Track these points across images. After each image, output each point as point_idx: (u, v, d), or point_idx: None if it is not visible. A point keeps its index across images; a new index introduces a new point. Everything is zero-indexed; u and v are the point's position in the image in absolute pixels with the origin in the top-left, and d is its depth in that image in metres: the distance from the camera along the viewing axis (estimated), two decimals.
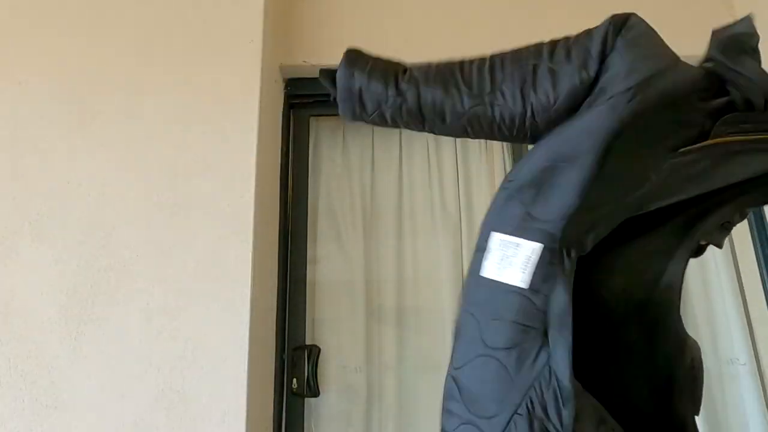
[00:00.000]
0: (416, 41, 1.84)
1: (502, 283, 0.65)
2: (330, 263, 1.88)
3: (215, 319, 1.37)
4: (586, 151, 0.63)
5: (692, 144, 0.63)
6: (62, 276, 1.39)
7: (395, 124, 0.79)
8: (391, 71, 0.79)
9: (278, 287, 1.73)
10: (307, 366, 1.70)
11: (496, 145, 2.00)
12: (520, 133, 0.72)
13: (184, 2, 1.65)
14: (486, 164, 1.99)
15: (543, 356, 0.61)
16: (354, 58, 0.79)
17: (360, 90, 0.77)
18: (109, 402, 1.31)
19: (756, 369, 1.75)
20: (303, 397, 1.69)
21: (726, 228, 0.79)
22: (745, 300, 1.81)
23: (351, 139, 2.03)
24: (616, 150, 0.62)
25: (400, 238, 1.92)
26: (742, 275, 1.83)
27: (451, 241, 1.91)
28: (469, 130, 0.75)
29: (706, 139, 0.63)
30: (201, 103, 1.54)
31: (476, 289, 0.70)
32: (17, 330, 1.36)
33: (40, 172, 1.48)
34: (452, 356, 0.70)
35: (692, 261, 1.90)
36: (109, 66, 1.58)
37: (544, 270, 0.62)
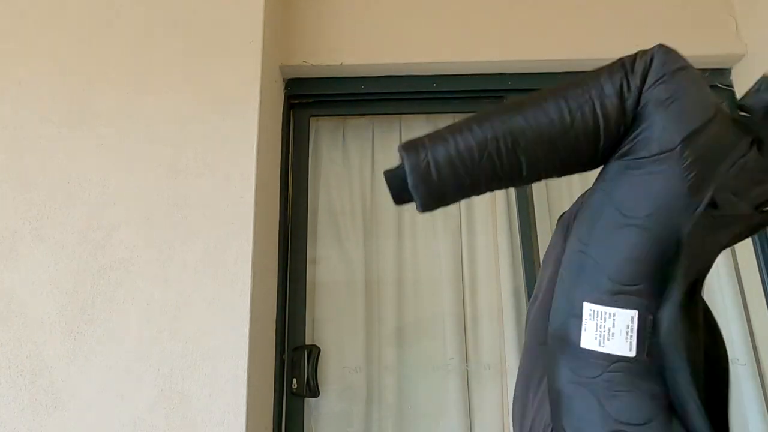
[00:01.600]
0: (416, 41, 1.84)
1: (608, 354, 0.64)
2: (330, 263, 1.88)
3: (215, 319, 1.37)
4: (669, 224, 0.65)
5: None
6: (62, 276, 1.40)
7: (475, 181, 0.76)
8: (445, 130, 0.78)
9: (278, 287, 1.73)
10: (307, 366, 1.70)
11: None
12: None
13: (184, 2, 1.65)
14: None
15: (676, 425, 0.60)
16: (407, 145, 0.78)
17: (427, 161, 0.74)
18: (109, 402, 1.31)
19: (756, 369, 1.75)
20: (303, 397, 1.69)
21: None
22: (745, 300, 1.81)
23: (351, 139, 2.03)
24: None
25: (400, 238, 1.92)
26: (742, 275, 1.83)
27: (451, 241, 1.91)
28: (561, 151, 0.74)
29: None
30: (201, 103, 1.54)
31: (583, 362, 0.67)
32: (17, 330, 1.36)
33: (40, 172, 1.48)
34: None
35: None
36: (109, 66, 1.58)
37: (644, 335, 0.63)
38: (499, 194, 1.95)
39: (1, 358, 1.34)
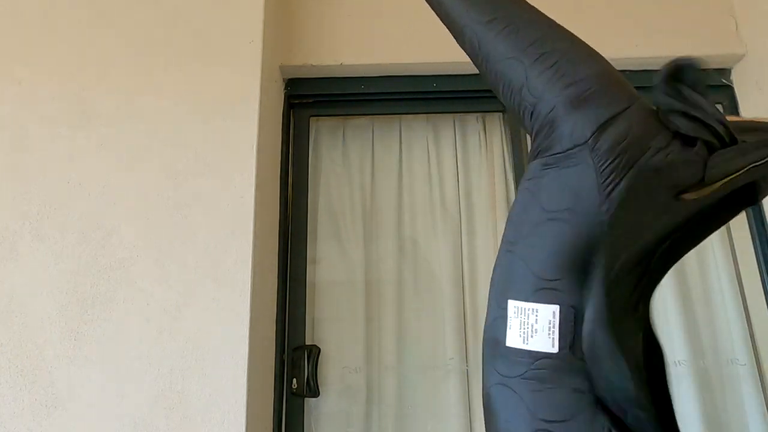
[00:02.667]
0: (416, 42, 1.84)
1: (532, 351, 0.64)
2: (330, 263, 1.88)
3: (215, 319, 1.37)
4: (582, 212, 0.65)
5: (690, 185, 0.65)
6: (62, 276, 1.40)
7: None
8: None
9: (278, 287, 1.73)
10: (307, 366, 1.70)
11: (497, 146, 2.00)
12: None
13: (184, 3, 1.65)
14: (486, 163, 1.99)
15: (600, 419, 0.60)
16: None
17: None
18: (109, 402, 1.31)
19: (756, 369, 1.75)
20: (303, 397, 1.69)
21: None
22: (745, 300, 1.81)
23: (351, 139, 2.03)
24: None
25: (400, 238, 1.92)
26: (742, 275, 1.83)
27: (451, 241, 1.91)
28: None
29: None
30: (201, 103, 1.54)
31: (508, 360, 0.67)
32: (17, 330, 1.36)
33: (40, 172, 1.48)
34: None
35: (692, 261, 1.90)
36: (109, 66, 1.58)
37: (566, 330, 0.62)
38: (499, 194, 1.95)
39: (1, 358, 1.34)
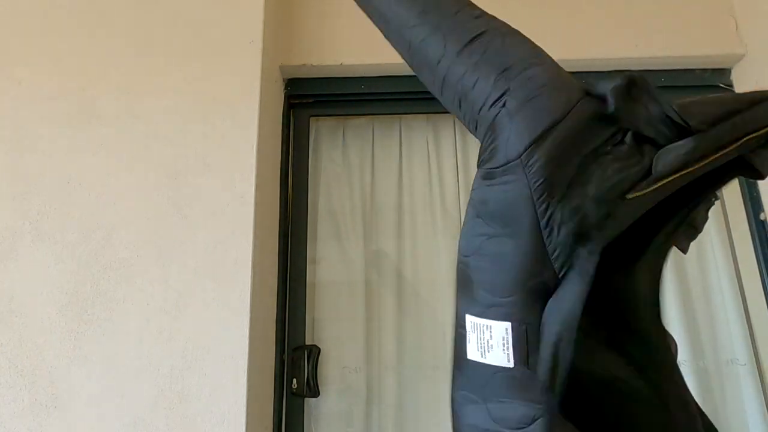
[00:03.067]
0: None
1: (489, 365, 0.64)
2: (330, 263, 1.88)
3: (215, 319, 1.37)
4: (519, 228, 0.64)
5: (636, 181, 0.62)
6: (62, 276, 1.40)
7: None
8: None
9: (278, 287, 1.73)
10: (307, 366, 1.70)
11: None
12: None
13: (184, 2, 1.65)
14: None
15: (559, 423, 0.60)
16: None
17: None
18: (109, 402, 1.31)
19: (756, 369, 1.75)
20: (303, 397, 1.69)
21: (691, 235, 0.79)
22: (745, 300, 1.81)
23: (351, 139, 2.03)
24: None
25: (400, 238, 1.92)
26: (742, 275, 1.83)
27: (451, 241, 1.91)
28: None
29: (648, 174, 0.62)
30: (201, 103, 1.54)
31: (471, 372, 0.68)
32: (17, 330, 1.36)
33: (40, 172, 1.48)
34: None
35: (692, 261, 1.90)
36: (109, 66, 1.58)
37: (521, 345, 0.62)
38: None
39: (1, 358, 1.34)
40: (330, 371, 1.76)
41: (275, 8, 1.79)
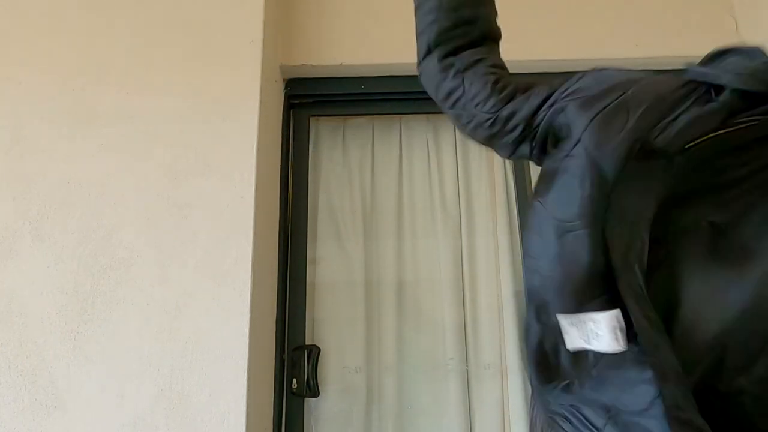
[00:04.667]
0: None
1: (597, 351, 0.63)
2: (330, 263, 1.88)
3: (215, 319, 1.37)
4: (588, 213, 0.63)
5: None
6: (62, 276, 1.39)
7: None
8: None
9: (278, 287, 1.73)
10: (307, 366, 1.70)
11: None
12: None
13: (184, 2, 1.65)
14: (486, 164, 1.99)
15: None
16: None
17: None
18: (109, 402, 1.31)
19: None
20: (303, 397, 1.69)
21: None
22: None
23: (351, 139, 2.03)
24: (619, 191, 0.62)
25: (400, 238, 1.92)
26: None
27: (451, 241, 1.91)
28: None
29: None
30: (201, 103, 1.54)
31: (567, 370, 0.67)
32: (17, 330, 1.36)
33: (40, 172, 1.48)
34: None
35: None
36: (109, 66, 1.58)
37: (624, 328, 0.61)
38: (500, 194, 1.95)
39: (1, 358, 1.34)
40: (330, 371, 1.76)
41: (275, 8, 1.79)
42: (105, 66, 1.58)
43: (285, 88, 1.92)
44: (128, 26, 1.62)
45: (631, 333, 0.60)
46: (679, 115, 0.63)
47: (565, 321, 0.65)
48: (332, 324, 1.82)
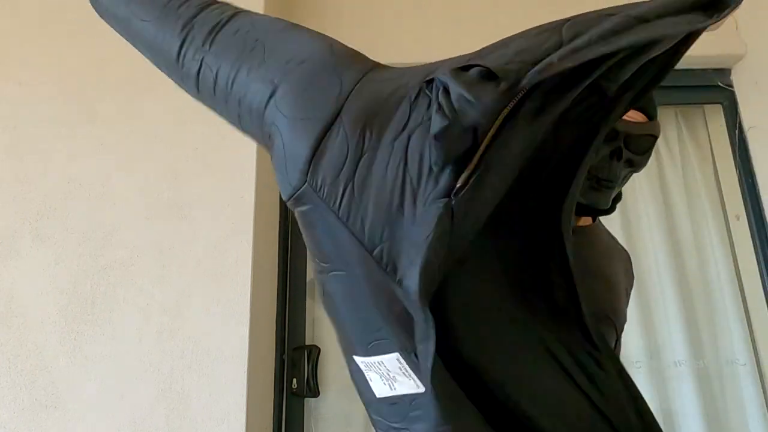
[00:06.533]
0: (416, 41, 1.84)
1: (403, 395, 0.56)
2: None
3: (215, 319, 1.37)
4: None
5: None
6: (62, 276, 1.39)
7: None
8: None
9: (278, 287, 1.73)
10: (307, 366, 1.70)
11: None
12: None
13: None
14: None
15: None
16: None
17: None
18: (109, 402, 1.31)
19: (756, 369, 1.75)
20: (303, 397, 1.69)
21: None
22: (745, 300, 1.81)
23: None
24: None
25: None
26: (742, 275, 1.83)
27: None
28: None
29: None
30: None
31: (387, 411, 0.60)
32: (17, 330, 1.36)
33: (40, 172, 1.48)
34: None
35: (692, 261, 1.88)
36: (109, 66, 1.58)
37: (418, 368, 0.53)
38: None
39: (1, 358, 1.34)
40: (330, 371, 1.76)
41: (275, 8, 1.79)
42: (105, 66, 1.58)
43: None
44: None
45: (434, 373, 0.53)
46: None
47: (362, 365, 0.59)
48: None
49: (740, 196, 1.86)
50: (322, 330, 1.80)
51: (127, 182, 1.47)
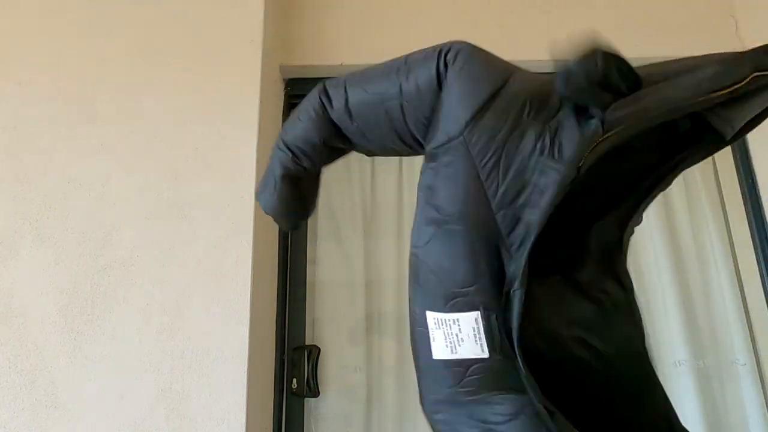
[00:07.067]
0: (416, 42, 1.84)
1: (462, 359, 0.60)
2: (330, 263, 1.88)
3: (215, 319, 1.37)
4: (462, 216, 0.61)
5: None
6: (62, 276, 1.39)
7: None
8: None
9: (278, 287, 1.73)
10: (307, 366, 1.70)
11: None
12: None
13: (185, 3, 1.65)
14: None
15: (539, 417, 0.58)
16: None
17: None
18: (109, 402, 1.31)
19: (756, 369, 1.75)
20: (303, 397, 1.69)
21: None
22: (745, 300, 1.81)
23: None
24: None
25: (400, 238, 1.92)
26: (742, 275, 1.83)
27: None
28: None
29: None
30: (201, 103, 1.54)
31: (440, 374, 0.64)
32: (17, 330, 1.36)
33: (40, 172, 1.48)
34: None
35: (692, 261, 1.89)
36: (109, 66, 1.58)
37: (492, 334, 0.59)
38: None
39: (1, 358, 1.34)
40: (330, 371, 1.76)
41: (275, 8, 1.79)
42: (105, 66, 1.58)
43: (285, 88, 1.92)
44: (128, 26, 1.62)
45: (504, 343, 0.59)
46: None
47: (431, 320, 0.63)
48: (332, 324, 1.82)
49: (740, 196, 1.86)
50: (322, 330, 1.81)
51: (127, 182, 1.47)
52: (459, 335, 0.60)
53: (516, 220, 0.58)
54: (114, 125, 1.52)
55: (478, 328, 0.59)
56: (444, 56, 0.66)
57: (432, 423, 0.67)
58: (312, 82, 2.10)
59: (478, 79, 0.63)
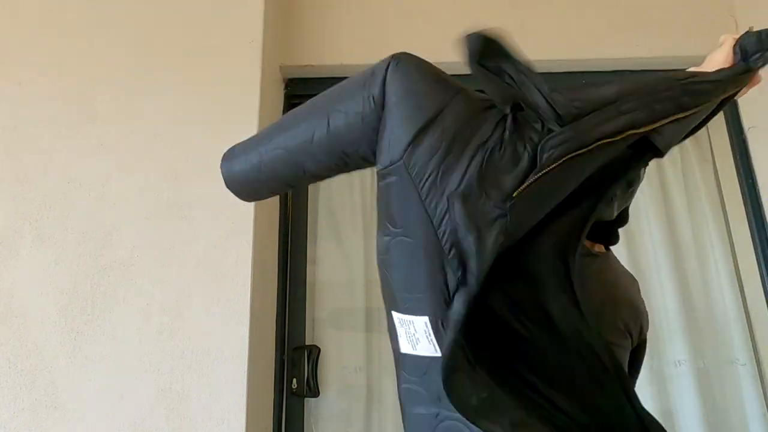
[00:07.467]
0: (416, 41, 1.84)
1: (422, 356, 0.66)
2: (330, 263, 1.88)
3: (215, 319, 1.37)
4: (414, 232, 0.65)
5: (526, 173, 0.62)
6: (62, 276, 1.39)
7: None
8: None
9: (278, 287, 1.73)
10: (307, 366, 1.70)
11: None
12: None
13: (185, 3, 1.65)
14: None
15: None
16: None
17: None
18: (109, 402, 1.31)
19: (756, 369, 1.75)
20: (303, 397, 1.69)
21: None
22: (745, 300, 1.81)
23: None
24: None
25: None
26: (742, 275, 1.83)
27: None
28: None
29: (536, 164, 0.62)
30: (201, 103, 1.54)
31: (409, 365, 0.71)
32: (17, 330, 1.36)
33: (40, 172, 1.48)
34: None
35: (692, 261, 1.89)
36: (109, 66, 1.58)
37: (442, 336, 0.64)
38: None
39: (1, 358, 1.34)
40: (330, 371, 1.76)
41: (275, 8, 1.79)
42: (105, 66, 1.58)
43: (285, 88, 1.91)
44: (128, 26, 1.62)
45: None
46: None
47: (396, 319, 0.69)
48: (332, 324, 1.82)
49: (740, 196, 1.86)
50: (322, 330, 1.81)
51: (127, 182, 1.47)
52: (415, 335, 0.66)
53: (453, 242, 0.62)
54: (114, 125, 1.52)
55: (428, 330, 0.65)
56: (384, 76, 0.72)
57: (401, 405, 0.74)
58: (312, 82, 2.11)
59: (419, 103, 0.67)
